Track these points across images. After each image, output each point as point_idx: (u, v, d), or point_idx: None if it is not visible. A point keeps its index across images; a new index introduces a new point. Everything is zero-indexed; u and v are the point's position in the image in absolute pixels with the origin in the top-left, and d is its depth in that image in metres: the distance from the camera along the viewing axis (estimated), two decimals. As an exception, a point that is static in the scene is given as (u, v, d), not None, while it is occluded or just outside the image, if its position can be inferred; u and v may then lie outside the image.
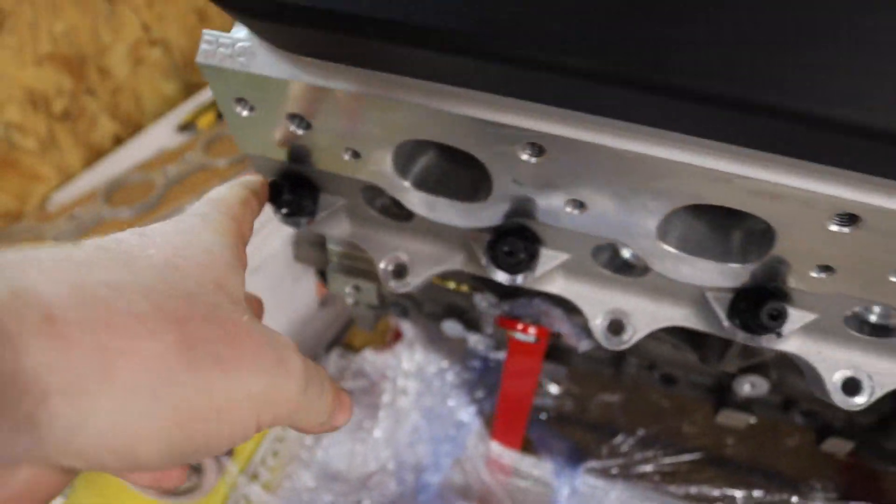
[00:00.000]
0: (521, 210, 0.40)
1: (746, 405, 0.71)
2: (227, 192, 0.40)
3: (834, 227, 0.32)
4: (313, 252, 0.70)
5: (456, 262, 0.48)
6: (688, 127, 0.31)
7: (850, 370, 0.41)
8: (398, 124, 0.37)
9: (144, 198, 0.90)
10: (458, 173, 0.43)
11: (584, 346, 0.63)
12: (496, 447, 0.73)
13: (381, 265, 0.49)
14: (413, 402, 0.79)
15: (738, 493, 0.81)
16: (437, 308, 0.73)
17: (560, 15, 0.28)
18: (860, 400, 0.42)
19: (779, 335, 0.39)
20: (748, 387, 0.65)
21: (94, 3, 0.92)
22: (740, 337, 0.41)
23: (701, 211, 0.40)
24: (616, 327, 0.45)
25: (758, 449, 0.90)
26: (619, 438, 0.83)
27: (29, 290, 0.25)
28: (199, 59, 0.36)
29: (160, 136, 1.04)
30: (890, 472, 0.69)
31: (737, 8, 0.27)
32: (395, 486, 0.80)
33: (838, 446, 0.70)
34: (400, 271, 0.50)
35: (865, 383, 0.41)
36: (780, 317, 0.38)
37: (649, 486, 0.76)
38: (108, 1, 0.94)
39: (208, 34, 0.36)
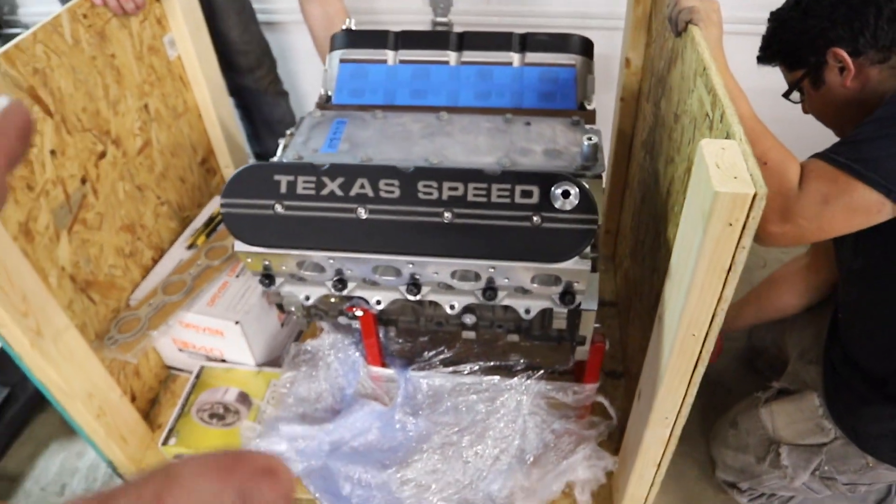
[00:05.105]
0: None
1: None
2: None
3: None
4: (274, 298, 1.59)
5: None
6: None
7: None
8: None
9: (183, 288, 1.77)
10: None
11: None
12: (372, 368, 1.64)
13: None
14: (334, 358, 1.69)
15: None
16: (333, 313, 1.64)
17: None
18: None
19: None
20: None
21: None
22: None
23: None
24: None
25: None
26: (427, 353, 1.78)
27: None
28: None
29: (177, 254, 1.92)
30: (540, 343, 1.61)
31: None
32: (332, 400, 1.70)
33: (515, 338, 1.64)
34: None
35: None
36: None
37: (444, 371, 1.69)
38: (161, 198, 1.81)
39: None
